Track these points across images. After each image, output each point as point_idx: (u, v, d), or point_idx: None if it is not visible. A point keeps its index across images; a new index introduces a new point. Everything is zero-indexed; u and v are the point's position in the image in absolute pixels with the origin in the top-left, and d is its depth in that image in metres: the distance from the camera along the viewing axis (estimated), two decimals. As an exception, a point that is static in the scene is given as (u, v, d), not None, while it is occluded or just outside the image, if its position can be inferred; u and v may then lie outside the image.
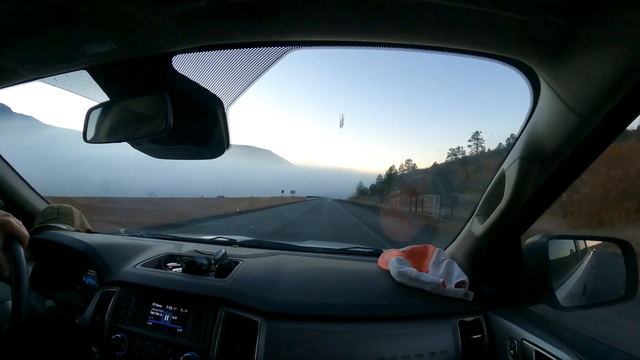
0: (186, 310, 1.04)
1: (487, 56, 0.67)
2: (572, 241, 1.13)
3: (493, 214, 0.94)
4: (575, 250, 1.12)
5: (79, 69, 0.80)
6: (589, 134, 0.68)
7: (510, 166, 0.86)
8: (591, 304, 1.08)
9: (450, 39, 0.64)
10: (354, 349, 0.94)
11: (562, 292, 1.00)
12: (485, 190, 1.03)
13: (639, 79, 0.54)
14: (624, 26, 0.50)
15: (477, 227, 1.04)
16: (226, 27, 0.64)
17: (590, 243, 1.15)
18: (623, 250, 1.02)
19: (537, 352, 0.84)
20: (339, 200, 78.12)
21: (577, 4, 0.49)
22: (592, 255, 1.14)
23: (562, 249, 1.08)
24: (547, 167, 0.79)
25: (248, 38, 0.68)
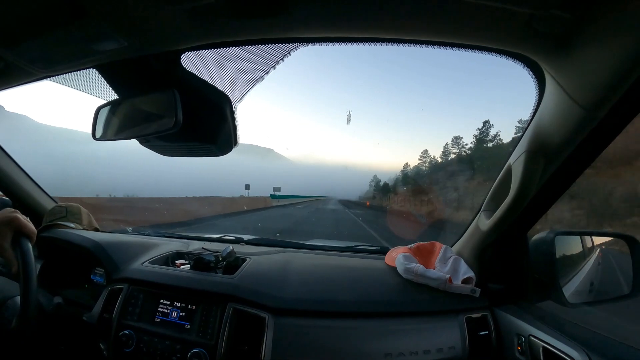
0: (194, 307, 1.04)
1: (492, 51, 0.68)
2: (578, 237, 1.12)
3: (499, 209, 0.94)
4: (582, 247, 1.12)
5: (89, 67, 0.81)
6: (595, 127, 0.68)
7: (516, 161, 0.86)
8: (598, 300, 1.08)
9: (456, 34, 0.65)
10: (361, 344, 0.94)
11: (569, 289, 1.00)
12: (492, 186, 1.03)
13: None
14: (627, 18, 0.51)
15: (483, 222, 1.04)
16: (234, 24, 0.65)
17: (597, 239, 1.14)
18: (630, 247, 1.02)
19: (544, 348, 0.84)
20: (348, 204, 47.31)
21: None
22: (599, 252, 1.13)
23: (569, 245, 1.08)
24: (554, 161, 0.79)
25: (256, 35, 0.69)
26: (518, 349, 0.93)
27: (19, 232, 0.84)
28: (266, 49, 0.72)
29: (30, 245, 0.85)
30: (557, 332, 0.84)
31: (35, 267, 0.85)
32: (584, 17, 0.53)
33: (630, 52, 0.53)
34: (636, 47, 0.52)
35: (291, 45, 0.71)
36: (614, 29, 0.53)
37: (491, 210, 1.01)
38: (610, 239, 1.14)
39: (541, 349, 0.84)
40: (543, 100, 0.75)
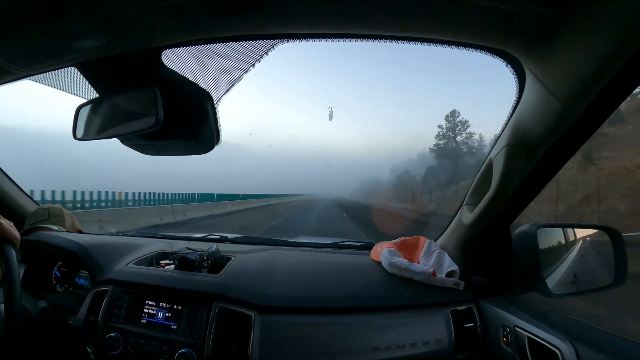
0: (180, 307, 1.04)
1: (472, 47, 0.68)
2: (561, 230, 1.14)
3: (481, 202, 0.95)
4: (564, 239, 1.13)
5: (69, 66, 0.80)
6: (574, 122, 0.69)
7: (497, 155, 0.87)
8: (581, 291, 1.09)
9: (437, 30, 0.65)
10: (348, 340, 0.95)
11: (553, 280, 1.01)
12: (474, 180, 1.04)
13: (620, 68, 0.55)
14: (604, 16, 0.52)
15: (466, 216, 1.05)
16: (215, 20, 0.65)
17: (579, 231, 1.16)
18: (612, 238, 1.03)
19: (529, 338, 0.85)
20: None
21: None
22: (581, 244, 1.15)
23: (552, 237, 1.09)
24: (534, 155, 0.80)
25: (237, 31, 0.69)
26: (504, 340, 0.94)
27: (2, 239, 0.81)
28: (247, 45, 0.72)
29: (13, 252, 0.82)
30: (542, 323, 0.86)
31: (19, 271, 0.83)
32: (562, 13, 0.54)
33: (608, 48, 0.54)
34: (613, 44, 0.53)
35: (272, 41, 0.71)
36: (592, 26, 0.54)
37: (473, 204, 1.02)
38: (593, 231, 1.16)
39: (526, 339, 0.86)
40: (523, 95, 0.76)
